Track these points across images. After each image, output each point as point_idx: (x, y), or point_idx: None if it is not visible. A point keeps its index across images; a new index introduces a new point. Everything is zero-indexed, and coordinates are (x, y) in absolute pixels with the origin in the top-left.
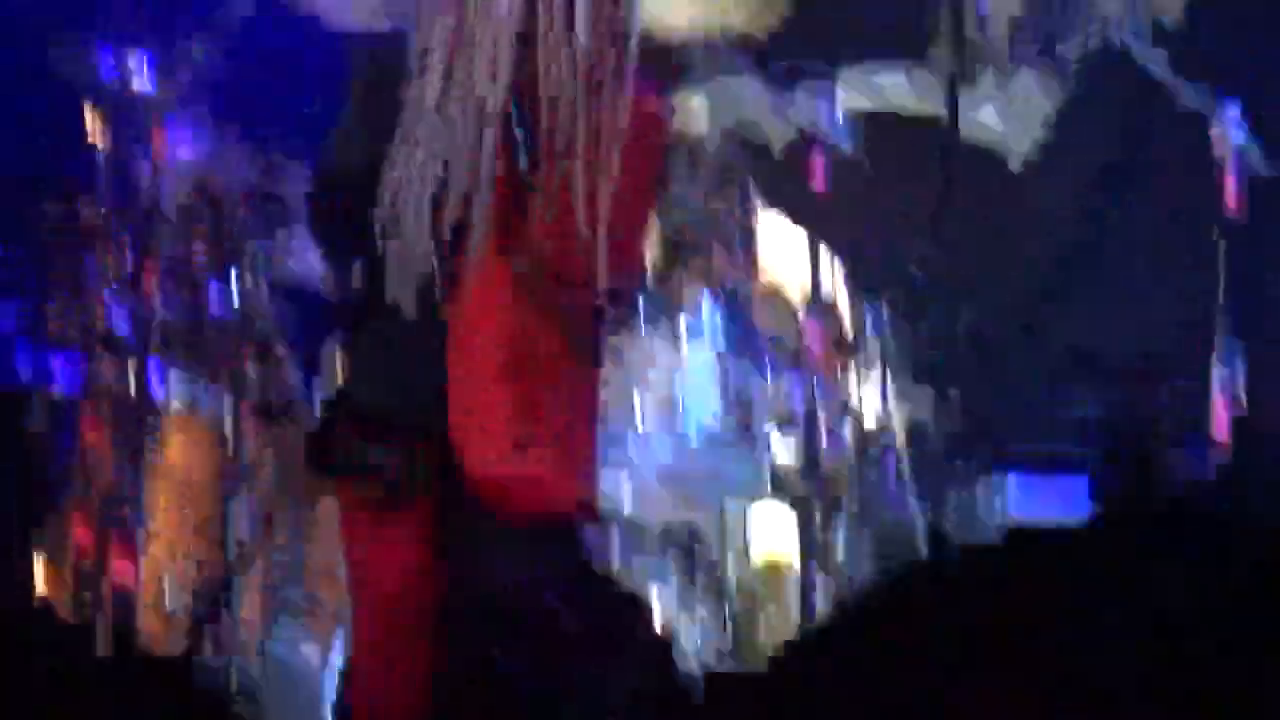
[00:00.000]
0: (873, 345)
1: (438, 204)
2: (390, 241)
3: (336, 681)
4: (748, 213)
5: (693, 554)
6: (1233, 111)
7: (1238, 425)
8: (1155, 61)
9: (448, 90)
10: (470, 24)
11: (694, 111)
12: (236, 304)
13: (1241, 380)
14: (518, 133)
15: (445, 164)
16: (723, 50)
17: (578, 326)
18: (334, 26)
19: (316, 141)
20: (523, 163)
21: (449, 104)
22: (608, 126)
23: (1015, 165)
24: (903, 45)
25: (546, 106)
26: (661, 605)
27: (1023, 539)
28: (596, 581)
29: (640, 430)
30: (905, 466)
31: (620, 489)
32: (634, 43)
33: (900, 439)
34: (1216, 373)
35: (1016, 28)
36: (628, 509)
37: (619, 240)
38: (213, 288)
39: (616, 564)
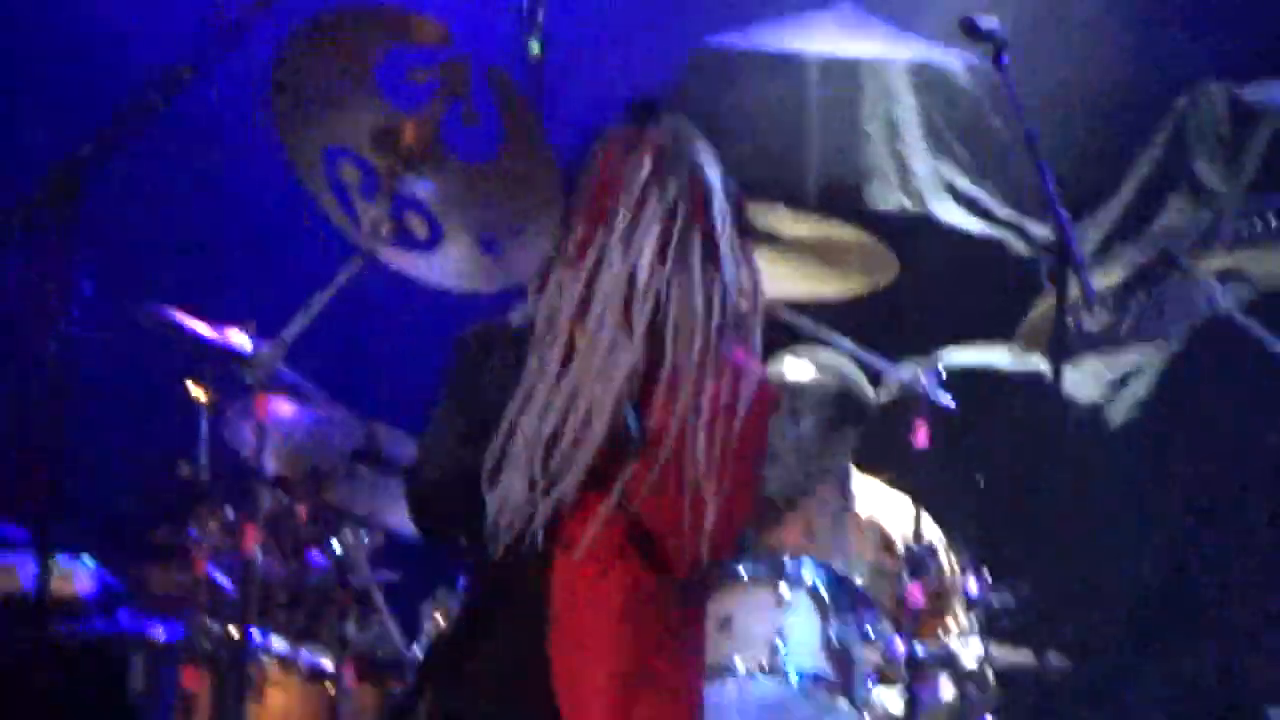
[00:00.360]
0: (974, 603)
1: (546, 459)
2: (495, 489)
3: None
4: (848, 470)
5: None
6: None
7: None
8: (1260, 330)
9: (569, 359)
10: (597, 299)
11: (795, 370)
12: (337, 563)
13: None
14: (628, 405)
15: (560, 424)
16: (824, 318)
17: (682, 582)
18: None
19: (415, 401)
20: (633, 427)
21: (568, 373)
22: (720, 400)
23: (1117, 420)
24: (1004, 321)
25: (666, 375)
26: None
27: None
28: None
29: (741, 673)
30: None
31: None
32: (754, 323)
33: (997, 694)
34: None
35: (1121, 302)
36: None
37: (724, 507)
38: (314, 547)
39: None
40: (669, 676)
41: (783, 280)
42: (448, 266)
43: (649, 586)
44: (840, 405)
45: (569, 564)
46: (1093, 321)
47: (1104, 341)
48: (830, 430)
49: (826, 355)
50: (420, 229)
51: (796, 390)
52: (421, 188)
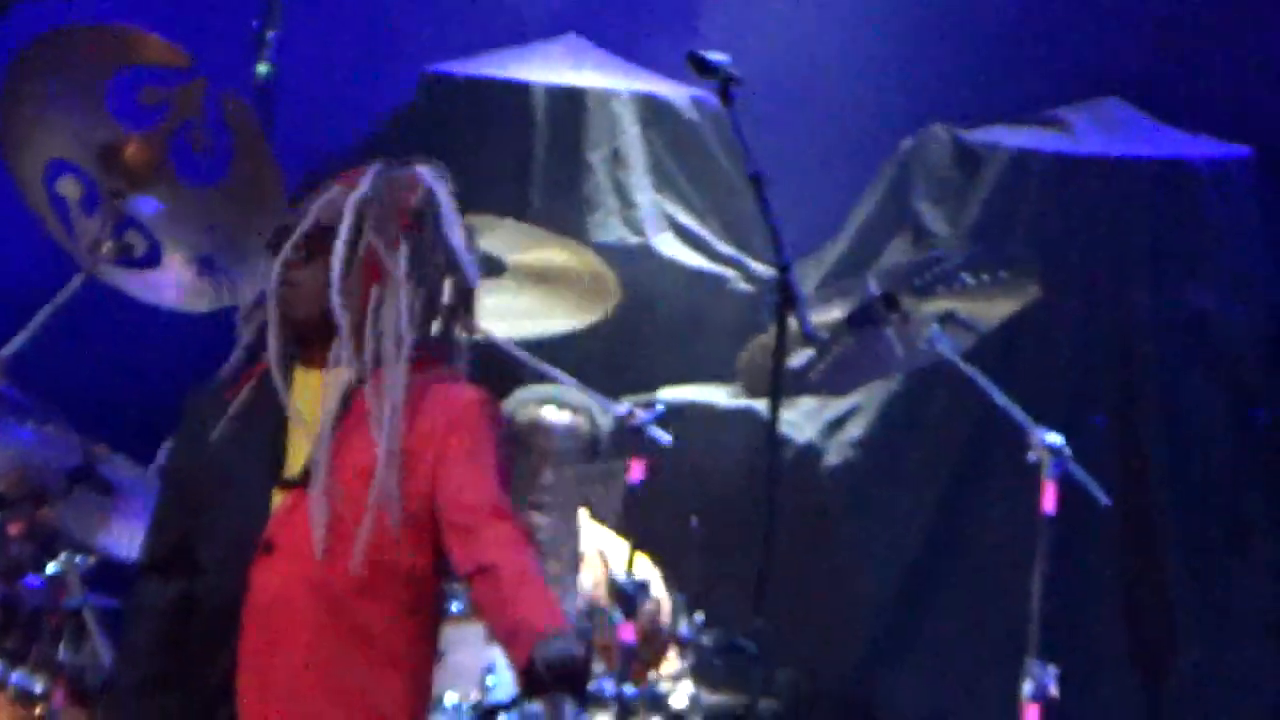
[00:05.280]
0: (686, 644)
1: None
2: None
3: None
4: (572, 511)
5: None
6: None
7: None
8: (976, 375)
9: None
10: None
11: (551, 415)
12: (51, 585)
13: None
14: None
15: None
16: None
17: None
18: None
19: (136, 421)
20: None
21: None
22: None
23: (833, 460)
24: (724, 357)
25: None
26: None
27: None
28: None
29: (449, 707)
30: None
31: None
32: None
33: None
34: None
35: (825, 346)
36: None
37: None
38: (28, 568)
39: None
40: (362, 697)
41: (505, 315)
42: (166, 285)
43: (346, 593)
44: (592, 448)
45: (266, 569)
46: (797, 358)
47: (798, 386)
48: (583, 473)
49: (574, 396)
50: (140, 247)
51: (554, 434)
52: (144, 207)
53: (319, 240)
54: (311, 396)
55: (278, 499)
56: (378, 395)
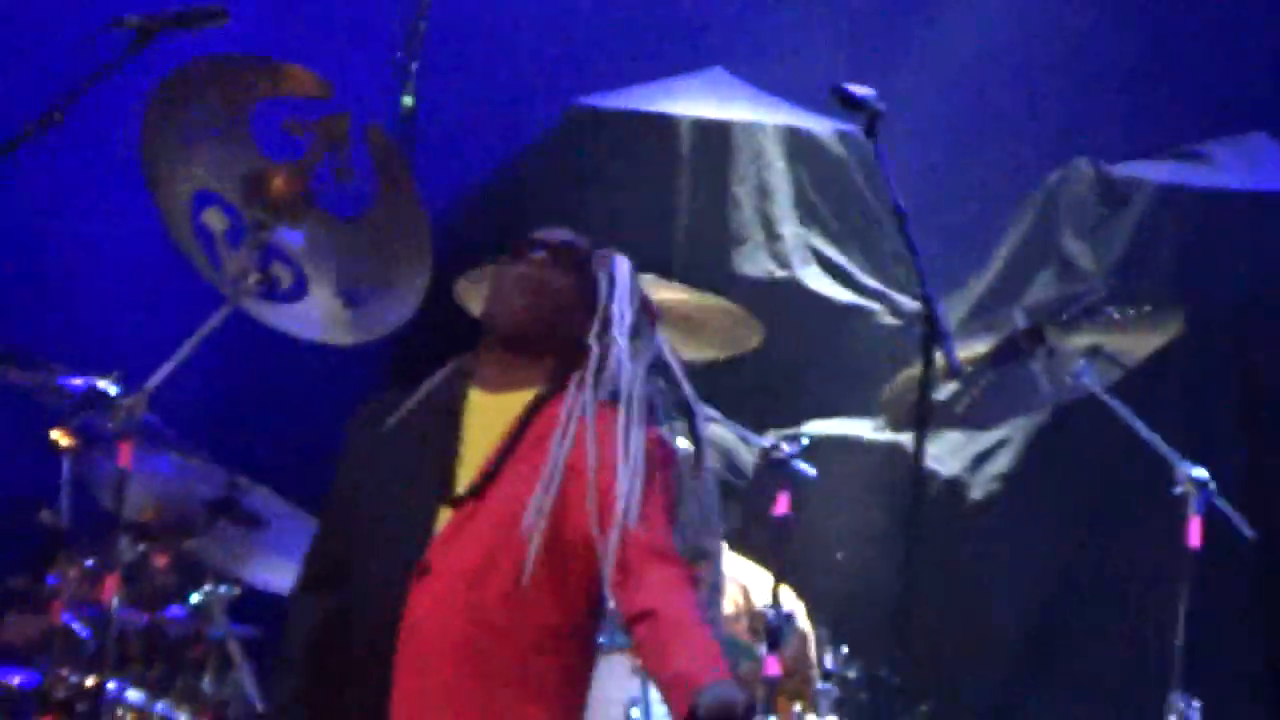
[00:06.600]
0: (831, 676)
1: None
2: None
3: None
4: (716, 539)
5: None
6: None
7: None
8: (1122, 409)
9: None
10: None
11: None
12: (195, 615)
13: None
14: None
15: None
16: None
17: (533, 650)
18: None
19: (281, 453)
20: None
21: None
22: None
23: (978, 494)
24: (870, 390)
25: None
26: None
27: None
28: None
29: None
30: None
31: None
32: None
33: None
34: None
35: (988, 378)
36: None
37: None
38: (173, 599)
39: None
40: None
41: None
42: (309, 318)
43: (500, 619)
44: (725, 479)
45: (422, 590)
46: (943, 392)
47: (944, 420)
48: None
49: (713, 429)
50: (286, 279)
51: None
52: (289, 239)
53: (569, 255)
54: (485, 419)
55: (442, 520)
56: (571, 412)
